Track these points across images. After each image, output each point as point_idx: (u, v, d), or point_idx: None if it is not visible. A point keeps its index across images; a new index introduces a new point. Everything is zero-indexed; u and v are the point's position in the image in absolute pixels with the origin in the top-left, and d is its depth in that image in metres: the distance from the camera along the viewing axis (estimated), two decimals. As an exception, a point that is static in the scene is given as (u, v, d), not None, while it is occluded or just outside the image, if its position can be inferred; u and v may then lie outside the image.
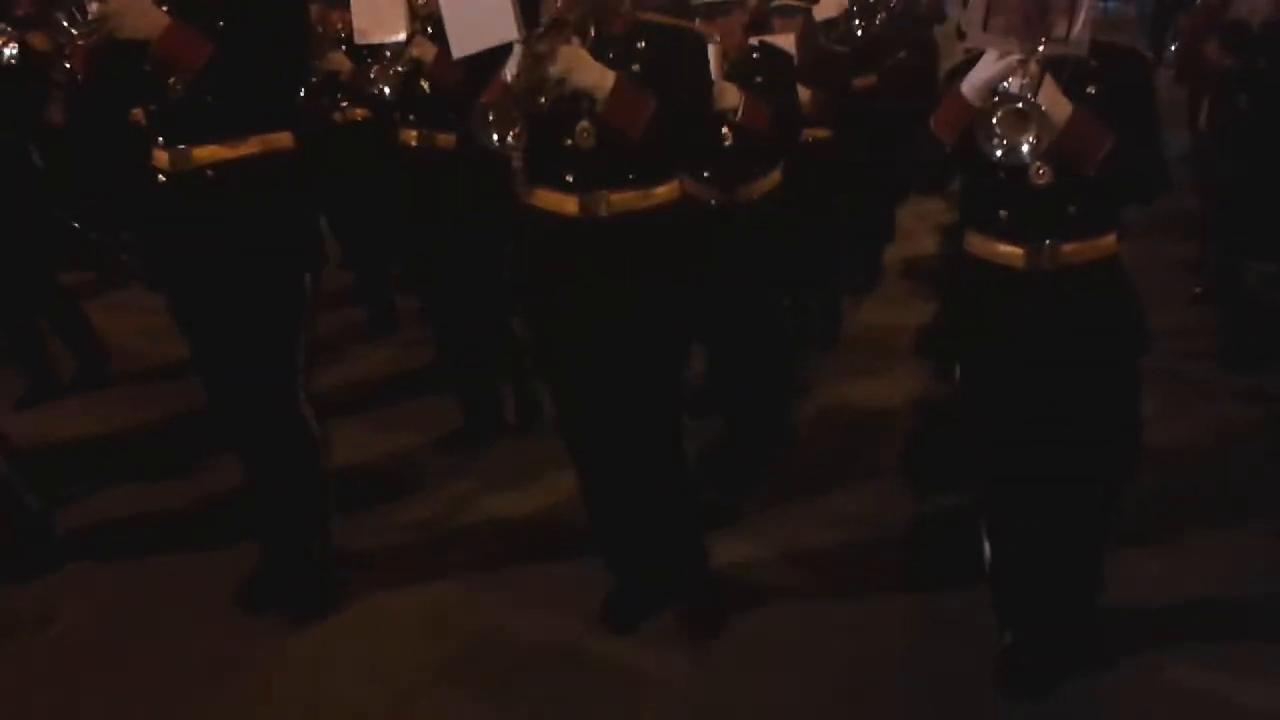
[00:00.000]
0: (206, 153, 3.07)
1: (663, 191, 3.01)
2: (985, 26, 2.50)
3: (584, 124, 2.87)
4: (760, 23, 4.46)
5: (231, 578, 3.55)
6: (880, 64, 6.22)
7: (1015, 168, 2.60)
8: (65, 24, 2.82)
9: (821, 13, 5.02)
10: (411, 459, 4.55)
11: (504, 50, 2.73)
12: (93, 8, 2.80)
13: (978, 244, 2.86)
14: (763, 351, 4.21)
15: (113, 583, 3.73)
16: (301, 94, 3.78)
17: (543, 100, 2.71)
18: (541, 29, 2.74)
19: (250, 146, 3.10)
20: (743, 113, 3.78)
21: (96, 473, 4.46)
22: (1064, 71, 2.57)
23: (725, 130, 3.84)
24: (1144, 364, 2.90)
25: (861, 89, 5.54)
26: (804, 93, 4.38)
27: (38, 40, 4.73)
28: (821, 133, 4.80)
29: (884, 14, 6.85)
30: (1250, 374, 5.05)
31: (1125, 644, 3.14)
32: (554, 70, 2.70)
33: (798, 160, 4.27)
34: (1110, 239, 2.79)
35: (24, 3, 5.50)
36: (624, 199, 2.96)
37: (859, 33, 6.19)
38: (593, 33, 2.88)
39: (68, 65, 2.93)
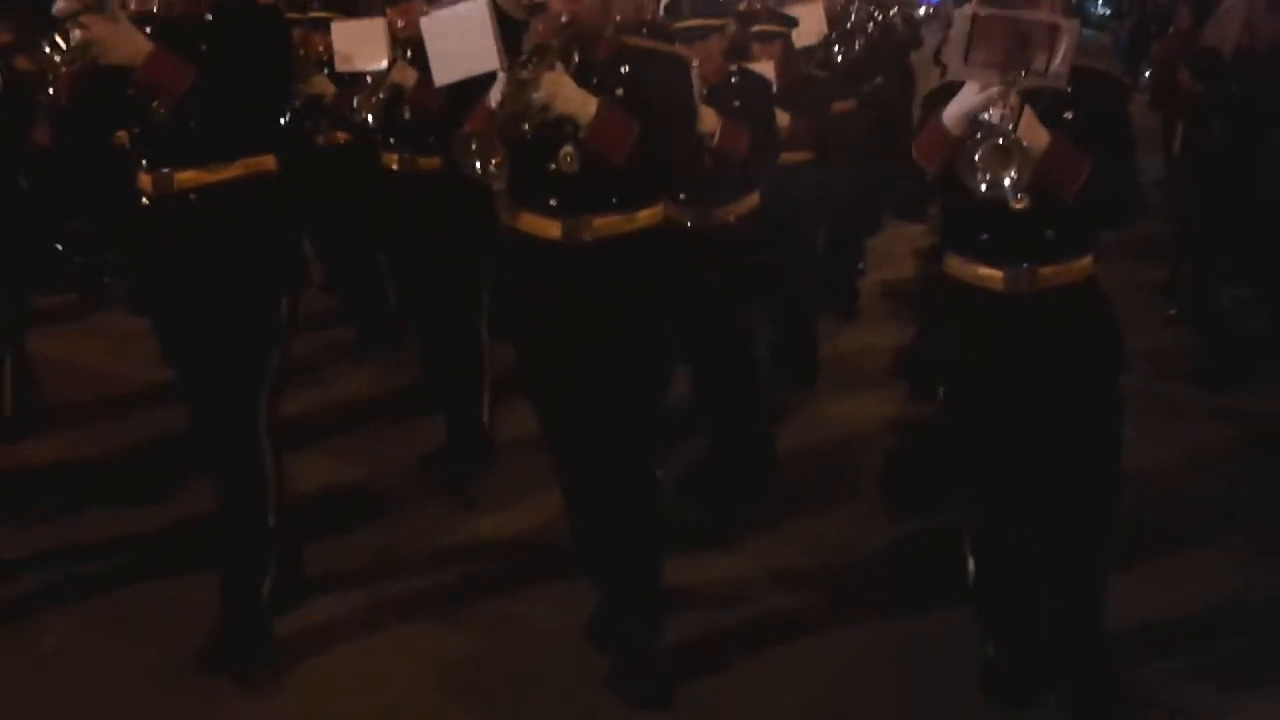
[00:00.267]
0: (189, 176, 3.07)
1: (646, 215, 3.03)
2: (967, 59, 2.52)
3: (568, 149, 2.87)
4: (740, 48, 4.51)
5: (210, 602, 3.53)
6: (858, 89, 6.31)
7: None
8: (48, 51, 2.79)
9: (801, 39, 5.08)
10: (393, 480, 4.53)
11: (486, 75, 2.75)
12: (76, 34, 2.77)
13: (957, 266, 2.91)
14: (738, 373, 4.24)
15: (87, 605, 3.70)
16: (285, 118, 3.78)
17: (526, 127, 2.73)
18: (525, 55, 2.76)
19: (233, 170, 3.10)
20: (720, 137, 3.83)
21: (73, 496, 4.41)
22: (1041, 98, 2.61)
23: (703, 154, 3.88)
24: (1121, 385, 2.93)
25: (840, 114, 5.60)
26: (783, 117, 4.45)
27: (22, 62, 4.70)
28: (800, 156, 4.85)
29: (862, 40, 6.93)
30: (1225, 395, 5.13)
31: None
32: (538, 97, 2.71)
33: (776, 184, 4.32)
34: (1087, 261, 2.84)
35: (6, 29, 5.49)
36: (607, 223, 2.97)
37: (838, 58, 6.27)
38: (576, 58, 2.90)
39: (51, 91, 2.90)
